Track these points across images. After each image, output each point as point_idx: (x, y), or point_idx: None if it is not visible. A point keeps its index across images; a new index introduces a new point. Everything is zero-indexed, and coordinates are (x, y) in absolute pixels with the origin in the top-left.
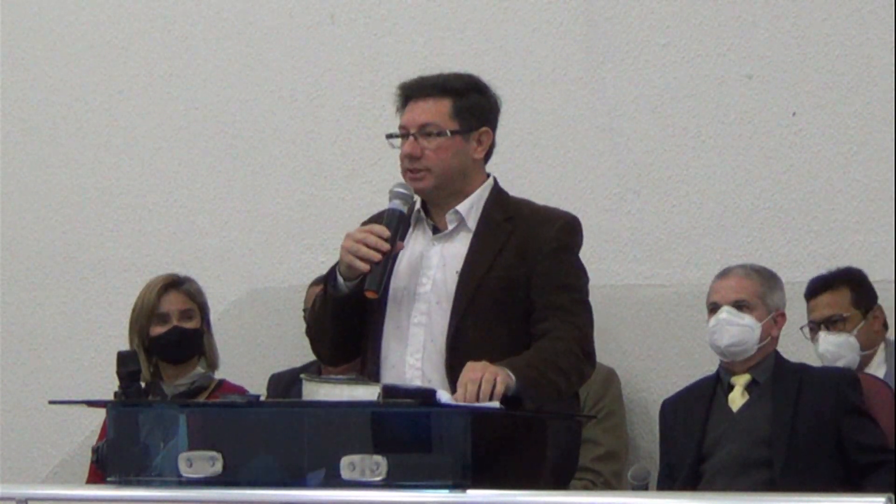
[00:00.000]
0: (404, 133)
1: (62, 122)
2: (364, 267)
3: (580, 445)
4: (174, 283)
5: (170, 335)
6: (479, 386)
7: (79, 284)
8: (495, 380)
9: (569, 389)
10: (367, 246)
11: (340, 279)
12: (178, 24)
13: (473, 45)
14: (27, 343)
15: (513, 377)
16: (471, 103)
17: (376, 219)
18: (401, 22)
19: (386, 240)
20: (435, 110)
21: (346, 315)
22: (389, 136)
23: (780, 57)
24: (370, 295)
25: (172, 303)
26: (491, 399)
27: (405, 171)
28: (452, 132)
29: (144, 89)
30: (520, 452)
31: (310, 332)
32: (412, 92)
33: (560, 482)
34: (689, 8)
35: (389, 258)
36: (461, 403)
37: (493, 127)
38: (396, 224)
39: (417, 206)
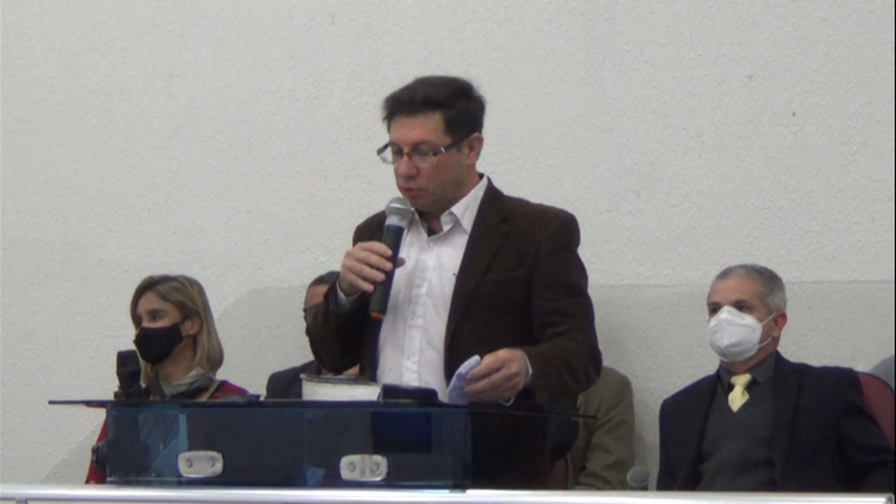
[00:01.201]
0: (397, 150)
1: (62, 122)
2: (368, 287)
3: (574, 437)
4: (147, 286)
5: (139, 336)
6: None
7: (79, 284)
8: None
9: (576, 390)
10: (370, 266)
11: (342, 295)
12: (178, 24)
13: (473, 45)
14: (27, 343)
15: (530, 369)
16: (460, 112)
17: (368, 226)
18: (401, 22)
19: (388, 259)
20: (427, 127)
21: (350, 327)
22: (380, 152)
23: (780, 57)
24: (375, 316)
25: (143, 305)
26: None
27: (402, 188)
28: (446, 147)
29: (144, 89)
30: (521, 452)
31: (313, 343)
32: (400, 107)
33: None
34: (689, 8)
35: (392, 277)
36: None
37: (482, 128)
38: (396, 241)
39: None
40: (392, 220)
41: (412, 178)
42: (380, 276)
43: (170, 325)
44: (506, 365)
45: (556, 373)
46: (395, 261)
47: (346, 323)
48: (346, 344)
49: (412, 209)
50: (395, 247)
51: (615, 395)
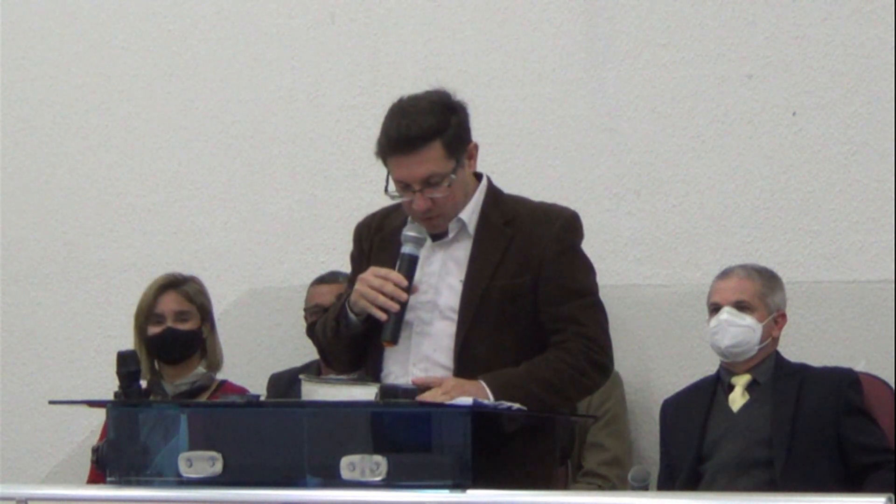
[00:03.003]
0: (405, 186)
1: (62, 122)
2: (381, 316)
3: (574, 441)
4: (172, 284)
5: (163, 336)
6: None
7: (79, 284)
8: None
9: (563, 404)
10: (385, 294)
11: (353, 316)
12: (178, 24)
13: (473, 45)
14: (27, 343)
15: (490, 397)
16: (454, 131)
17: (367, 225)
18: (401, 22)
19: (403, 288)
20: (431, 159)
21: (359, 343)
22: (387, 191)
23: (780, 57)
24: (387, 345)
25: (168, 304)
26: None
27: (418, 219)
28: (454, 171)
29: (144, 89)
30: (527, 453)
31: (322, 352)
32: (398, 148)
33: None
34: (689, 8)
35: (405, 306)
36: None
37: (470, 133)
38: (411, 270)
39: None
40: (407, 249)
41: (429, 210)
42: (394, 307)
43: (196, 329)
44: (444, 393)
45: (526, 394)
46: (410, 290)
47: (356, 341)
48: (356, 353)
49: (426, 237)
50: (410, 276)
51: (604, 391)
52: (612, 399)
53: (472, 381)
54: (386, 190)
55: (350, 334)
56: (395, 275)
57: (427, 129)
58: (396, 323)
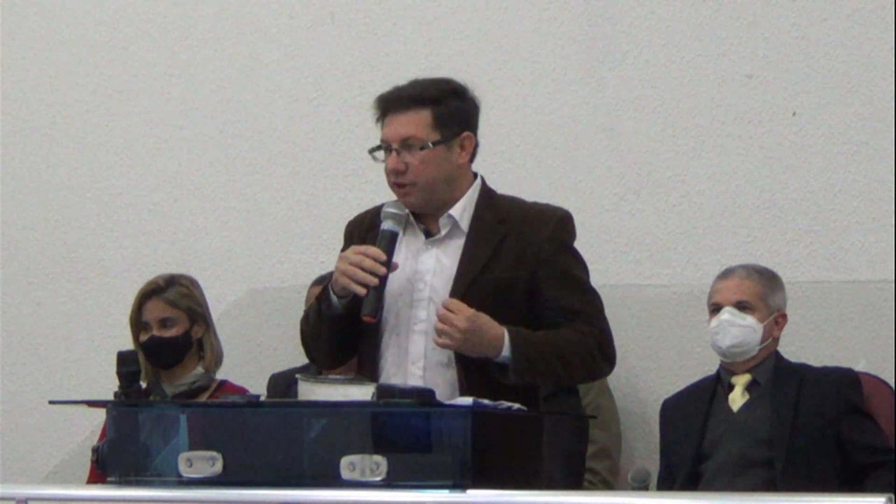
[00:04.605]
0: (386, 147)
1: (62, 122)
2: (361, 291)
3: (587, 447)
4: (155, 291)
5: (149, 344)
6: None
7: (79, 284)
8: (459, 330)
9: (570, 381)
10: (364, 269)
11: (335, 298)
12: (178, 24)
13: (473, 45)
14: (27, 343)
15: (508, 346)
16: (450, 110)
17: (359, 223)
18: (401, 22)
19: (382, 263)
20: (415, 122)
21: (342, 330)
22: (372, 151)
23: (780, 57)
24: (367, 320)
25: (151, 311)
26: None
27: (392, 185)
28: (435, 143)
29: (144, 89)
30: (515, 449)
31: (305, 342)
32: (390, 105)
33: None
34: (689, 8)
35: (385, 281)
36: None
37: (475, 130)
38: (391, 245)
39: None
40: (387, 225)
41: (401, 173)
42: (373, 281)
43: (181, 334)
44: (467, 319)
45: (542, 357)
46: (389, 265)
47: (338, 325)
48: (336, 344)
49: (406, 212)
50: (390, 251)
51: (584, 385)
52: (595, 390)
53: (498, 327)
54: (372, 151)
55: (331, 316)
56: (374, 250)
57: (422, 94)
58: (377, 297)
